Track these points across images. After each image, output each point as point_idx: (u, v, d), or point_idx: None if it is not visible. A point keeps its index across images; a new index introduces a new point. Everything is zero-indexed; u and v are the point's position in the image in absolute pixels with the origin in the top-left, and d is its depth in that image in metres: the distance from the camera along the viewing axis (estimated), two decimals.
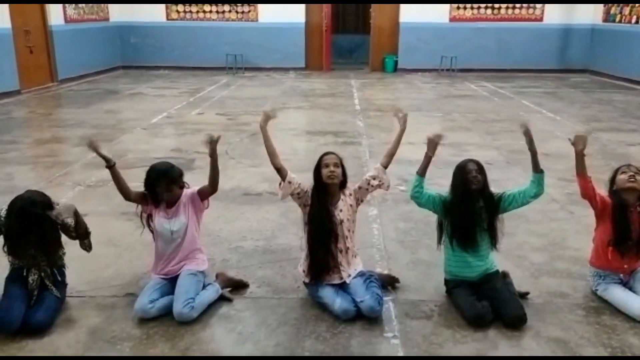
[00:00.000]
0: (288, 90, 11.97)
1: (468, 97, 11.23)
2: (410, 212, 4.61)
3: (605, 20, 14.32)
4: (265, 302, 3.27)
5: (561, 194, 5.07)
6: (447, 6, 14.98)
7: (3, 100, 10.20)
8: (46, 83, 12.11)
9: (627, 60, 13.15)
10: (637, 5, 12.94)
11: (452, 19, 15.10)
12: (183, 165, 3.36)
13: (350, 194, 3.27)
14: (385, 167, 3.29)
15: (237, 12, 15.25)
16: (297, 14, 15.00)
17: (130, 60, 15.32)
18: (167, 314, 3.04)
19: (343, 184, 3.26)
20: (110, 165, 3.18)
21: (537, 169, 3.15)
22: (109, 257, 3.84)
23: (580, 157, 3.17)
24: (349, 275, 3.20)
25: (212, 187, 3.26)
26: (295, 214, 4.01)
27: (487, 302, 3.06)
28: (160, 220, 3.23)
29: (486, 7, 15.06)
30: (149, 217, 3.29)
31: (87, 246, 3.27)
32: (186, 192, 3.28)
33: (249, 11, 15.22)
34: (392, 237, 4.25)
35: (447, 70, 14.62)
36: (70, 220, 3.10)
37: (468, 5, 15.03)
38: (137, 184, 3.37)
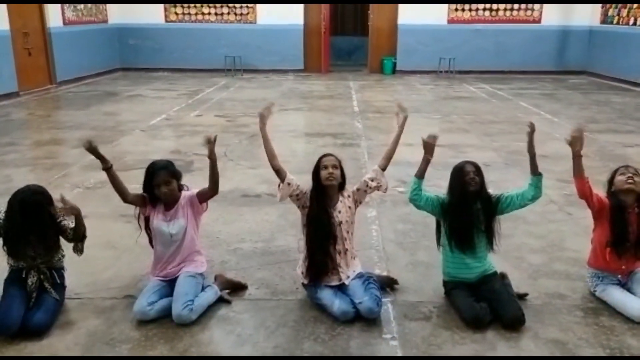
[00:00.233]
0: (287, 92, 11.98)
1: (466, 98, 11.25)
2: (408, 214, 4.61)
3: (602, 21, 14.35)
4: (264, 304, 3.28)
5: (559, 196, 5.08)
6: (445, 8, 15.00)
7: (2, 102, 10.20)
8: (45, 85, 12.11)
9: (624, 61, 13.18)
10: (634, 6, 12.97)
11: (451, 21, 15.13)
12: (182, 167, 3.36)
13: (349, 196, 3.28)
14: (384, 169, 3.30)
15: (235, 14, 15.26)
16: (295, 15, 15.01)
17: (129, 62, 15.32)
18: (166, 316, 3.04)
19: (342, 186, 3.26)
20: (107, 167, 3.17)
21: (535, 172, 3.16)
22: (108, 259, 3.84)
23: (577, 158, 3.18)
24: (348, 277, 3.21)
25: (212, 189, 3.25)
26: (294, 216, 4.01)
27: (485, 304, 3.06)
28: (158, 222, 3.22)
29: (484, 9, 15.09)
30: (147, 219, 3.28)
31: (79, 250, 3.25)
32: (185, 194, 3.28)
33: (248, 13, 15.23)
34: (390, 238, 4.25)
35: (446, 72, 14.64)
36: (68, 222, 3.11)
37: (466, 7, 15.05)
38: (135, 185, 3.37)
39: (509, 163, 6.29)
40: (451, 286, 3.24)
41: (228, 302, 3.26)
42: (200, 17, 15.33)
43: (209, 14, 15.31)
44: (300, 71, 15.30)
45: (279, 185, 3.21)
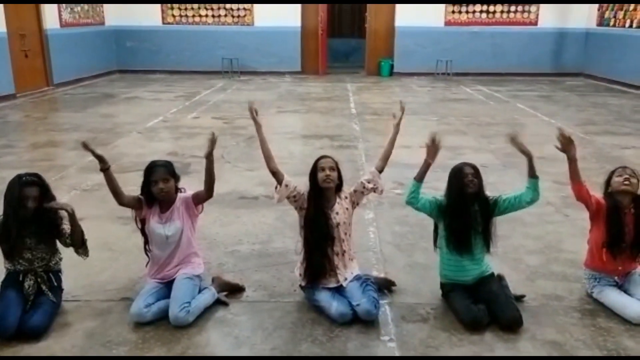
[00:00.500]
0: (284, 94, 11.98)
1: (463, 100, 11.27)
2: (406, 216, 4.61)
3: (599, 24, 14.40)
4: (261, 306, 3.27)
5: (556, 197, 5.09)
6: (442, 10, 15.04)
7: None
8: (42, 87, 12.09)
9: (621, 63, 13.22)
10: (631, 9, 13.02)
11: (448, 23, 15.16)
12: (179, 169, 3.36)
13: (346, 197, 3.28)
14: (380, 170, 3.30)
15: (232, 16, 15.28)
16: (292, 18, 15.03)
17: (126, 64, 15.31)
18: (163, 318, 3.03)
19: (339, 187, 3.26)
20: (105, 168, 3.15)
21: (532, 174, 3.16)
22: (105, 261, 3.83)
23: (573, 162, 3.18)
24: (346, 279, 3.20)
25: (208, 192, 3.24)
26: (291, 218, 4.01)
27: (483, 305, 3.06)
28: (154, 225, 3.21)
29: (481, 12, 15.13)
30: (143, 223, 3.27)
31: (82, 253, 3.24)
32: (180, 196, 3.27)
33: (245, 15, 15.24)
34: (388, 240, 4.25)
35: (443, 74, 14.67)
36: (66, 227, 3.10)
37: (463, 10, 15.10)
38: (131, 187, 3.37)
39: (507, 165, 6.30)
40: (449, 288, 3.24)
41: (225, 304, 3.26)
42: (197, 19, 15.33)
43: (206, 16, 15.31)
44: (297, 73, 15.31)
45: (276, 187, 3.21)
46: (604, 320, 3.12)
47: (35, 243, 3.08)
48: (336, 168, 3.19)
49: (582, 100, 11.45)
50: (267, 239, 4.27)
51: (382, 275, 3.60)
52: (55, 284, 3.15)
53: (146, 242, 3.30)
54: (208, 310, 3.16)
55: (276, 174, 3.18)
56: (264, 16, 15.04)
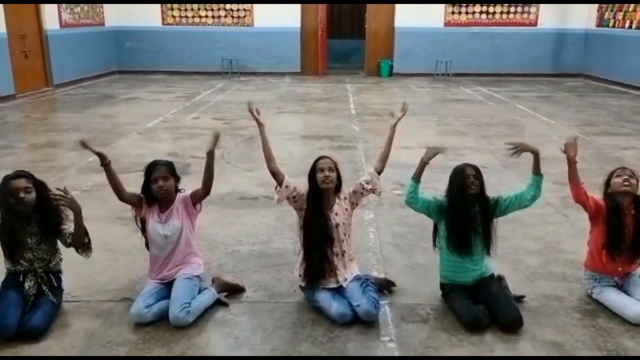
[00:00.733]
0: (284, 95, 11.98)
1: (463, 101, 11.27)
2: (406, 216, 4.62)
3: (599, 25, 14.41)
4: (261, 307, 3.27)
5: (556, 198, 5.09)
6: (442, 11, 15.06)
7: None
8: (41, 87, 12.09)
9: (620, 64, 13.23)
10: (630, 10, 13.04)
11: (447, 24, 15.17)
12: (179, 169, 3.36)
13: (346, 198, 3.28)
14: (379, 171, 3.30)
15: (232, 17, 15.28)
16: (292, 18, 15.04)
17: (126, 65, 15.31)
18: (163, 318, 3.03)
19: (338, 188, 3.26)
20: (105, 163, 3.15)
21: (537, 172, 3.16)
22: (105, 261, 3.83)
23: (572, 164, 3.19)
24: (346, 279, 3.20)
25: (206, 189, 3.24)
26: (291, 218, 4.01)
27: (483, 306, 3.06)
28: (153, 225, 3.21)
29: (481, 12, 15.15)
30: (144, 222, 3.27)
31: (83, 253, 3.21)
32: (179, 196, 3.27)
33: (245, 16, 15.25)
34: (388, 241, 4.25)
35: (442, 74, 14.68)
36: (67, 227, 3.10)
37: (463, 10, 15.11)
38: (132, 188, 3.36)
39: (506, 166, 6.30)
40: (448, 289, 3.24)
41: (225, 304, 3.26)
42: (197, 19, 15.34)
43: (206, 16, 15.32)
44: (297, 74, 15.31)
45: (276, 188, 3.21)
46: (604, 320, 3.12)
47: (36, 243, 3.08)
48: (335, 169, 3.19)
49: (581, 101, 11.45)
50: (267, 239, 4.27)
51: (382, 275, 3.60)
52: (56, 284, 3.15)
53: (147, 242, 3.30)
54: (208, 311, 3.16)
55: (276, 175, 3.19)
56: (264, 17, 15.05)
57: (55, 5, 12.58)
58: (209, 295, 3.22)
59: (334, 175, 3.17)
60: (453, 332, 3.00)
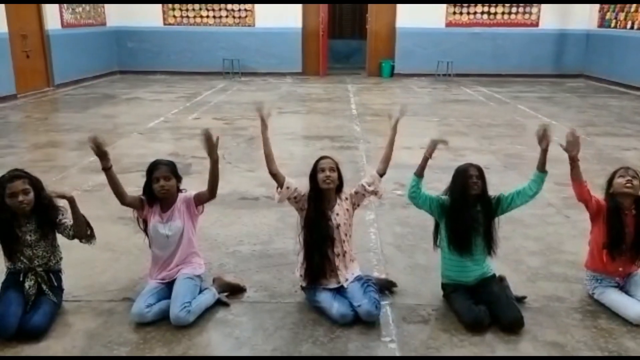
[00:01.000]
0: (285, 95, 11.99)
1: (464, 101, 11.27)
2: (407, 217, 4.61)
3: (600, 25, 14.41)
4: (262, 307, 3.27)
5: (557, 198, 5.09)
6: (443, 11, 15.06)
7: None
8: (43, 87, 12.10)
9: (622, 65, 13.22)
10: (632, 10, 13.03)
11: (449, 24, 15.17)
12: (180, 169, 3.36)
13: (347, 198, 3.27)
14: (382, 174, 3.29)
15: (234, 17, 15.29)
16: (293, 19, 15.04)
17: (127, 65, 15.33)
18: (164, 318, 3.03)
19: (339, 188, 3.26)
20: (107, 167, 3.15)
21: (542, 168, 3.16)
22: (106, 261, 3.83)
23: (575, 162, 3.19)
24: (347, 280, 3.20)
25: (211, 193, 3.24)
26: (292, 218, 4.01)
27: (484, 306, 3.06)
28: (155, 224, 3.21)
29: (482, 13, 15.14)
30: (145, 222, 3.27)
31: (88, 241, 3.18)
32: (181, 196, 3.27)
33: (246, 16, 15.26)
34: (389, 241, 4.25)
35: (444, 75, 14.67)
36: (67, 220, 3.10)
37: (464, 11, 15.11)
38: (133, 188, 3.37)
39: (508, 166, 6.30)
40: (450, 289, 3.24)
41: (226, 304, 3.26)
42: (198, 20, 15.35)
43: (207, 17, 15.33)
44: (298, 74, 15.31)
45: (277, 189, 3.21)
46: (605, 321, 3.12)
47: (35, 240, 3.08)
48: (336, 169, 3.19)
49: (582, 101, 11.44)
50: (268, 239, 4.27)
51: (382, 276, 3.59)
52: (56, 284, 3.15)
53: (150, 242, 3.29)
54: (209, 311, 3.16)
55: (276, 176, 3.18)
56: (265, 17, 15.05)
57: (56, 5, 12.60)
58: (210, 295, 3.22)
59: (335, 175, 3.16)
60: (454, 333, 3.00)
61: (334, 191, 3.23)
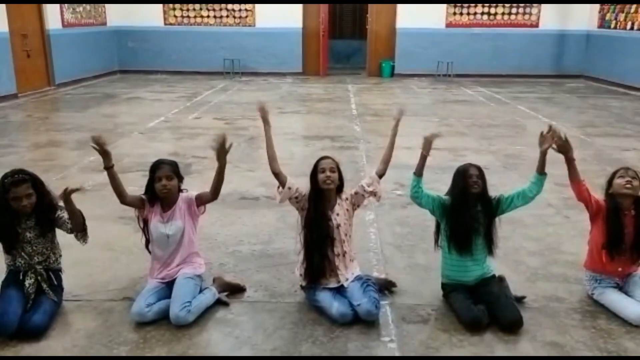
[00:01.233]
0: (285, 95, 11.99)
1: (464, 102, 11.27)
2: (407, 217, 4.62)
3: (600, 26, 14.41)
4: (262, 306, 3.28)
5: (557, 199, 5.09)
6: (443, 12, 15.06)
7: (0, 104, 10.19)
8: (43, 87, 12.11)
9: (622, 65, 13.22)
10: (632, 11, 13.03)
11: (449, 25, 15.18)
12: (180, 169, 3.36)
13: (347, 199, 3.28)
14: (381, 175, 3.29)
15: (234, 17, 15.30)
16: (294, 19, 15.05)
17: (128, 65, 15.33)
18: (164, 318, 3.03)
19: (340, 188, 3.27)
20: (108, 166, 3.16)
21: (542, 170, 3.17)
22: (106, 261, 3.84)
23: (571, 162, 3.19)
24: (347, 279, 3.21)
25: (214, 194, 3.25)
26: (292, 218, 4.01)
27: (483, 306, 3.07)
28: (156, 224, 3.22)
29: (482, 13, 15.15)
30: (145, 221, 3.28)
31: (81, 238, 3.18)
32: (182, 196, 3.28)
33: (247, 16, 15.26)
34: (389, 241, 4.26)
35: (444, 75, 14.68)
36: (65, 214, 3.10)
37: (464, 11, 15.12)
38: (133, 187, 3.37)
39: (507, 166, 6.31)
40: (449, 289, 3.25)
41: (226, 304, 3.26)
42: (199, 20, 15.36)
43: (208, 17, 15.34)
44: (298, 74, 15.32)
45: (278, 188, 3.21)
46: (605, 321, 3.12)
47: (35, 237, 3.09)
48: (337, 169, 3.19)
49: (582, 102, 11.45)
50: (268, 239, 4.28)
51: (382, 276, 3.60)
52: (56, 282, 3.16)
53: (147, 241, 3.30)
54: (209, 311, 3.17)
55: (279, 176, 3.19)
56: (266, 17, 15.06)
57: (57, 5, 12.61)
58: (210, 294, 3.23)
59: (335, 175, 3.17)
60: (453, 333, 3.00)
61: (334, 191, 3.23)
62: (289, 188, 3.17)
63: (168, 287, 3.18)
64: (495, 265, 3.37)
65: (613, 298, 3.20)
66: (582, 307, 3.29)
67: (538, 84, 14.13)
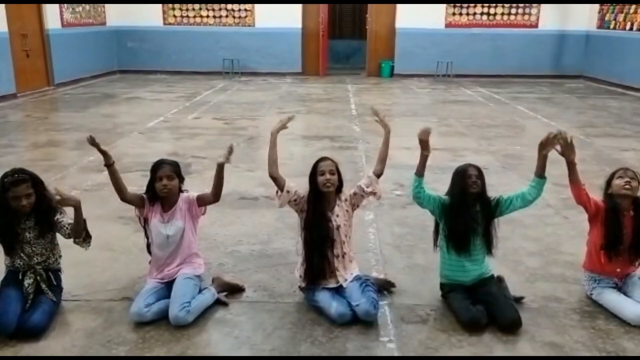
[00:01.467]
0: (285, 95, 11.99)
1: (464, 102, 11.28)
2: (406, 217, 4.62)
3: (599, 26, 14.42)
4: (261, 307, 3.28)
5: (556, 199, 5.10)
6: (443, 12, 15.07)
7: None
8: (42, 87, 12.10)
9: (621, 66, 13.23)
10: (631, 11, 13.04)
11: (448, 25, 15.18)
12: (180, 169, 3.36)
13: (346, 199, 3.28)
14: (379, 174, 3.28)
15: (234, 17, 15.30)
16: (293, 19, 15.05)
17: (127, 65, 15.33)
18: (163, 318, 3.03)
19: (339, 189, 3.26)
20: (109, 164, 3.17)
21: (541, 174, 3.17)
22: (105, 261, 3.84)
23: (572, 165, 3.19)
24: (346, 280, 3.21)
25: (215, 196, 3.25)
26: (291, 219, 4.02)
27: (481, 306, 3.07)
28: (156, 224, 3.22)
29: (482, 14, 15.16)
30: (145, 221, 3.28)
31: (82, 244, 3.18)
32: (183, 196, 3.28)
33: (246, 16, 15.26)
34: (388, 241, 4.26)
35: (443, 75, 14.68)
36: (66, 219, 3.10)
37: (464, 12, 15.12)
38: (133, 187, 3.37)
39: (507, 167, 6.31)
40: (448, 289, 3.25)
41: (225, 304, 3.26)
42: (198, 19, 15.35)
43: (207, 16, 15.34)
44: (298, 74, 15.32)
45: (277, 192, 3.20)
46: (603, 322, 3.12)
47: (34, 237, 3.08)
48: (336, 171, 3.18)
49: (582, 102, 11.46)
50: (267, 239, 4.28)
51: (381, 276, 3.60)
52: (55, 282, 3.16)
53: (149, 244, 3.30)
54: (208, 311, 3.17)
55: (277, 180, 3.17)
56: (265, 17, 15.06)
57: (56, 5, 12.61)
58: (209, 294, 3.23)
59: (335, 178, 3.16)
60: (452, 333, 3.00)
61: (334, 193, 3.23)
62: (288, 192, 3.16)
63: (167, 287, 3.18)
64: (494, 266, 3.37)
65: (612, 298, 3.21)
66: (581, 307, 3.29)
67: (537, 84, 14.14)
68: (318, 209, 3.17)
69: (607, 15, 14.05)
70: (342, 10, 19.35)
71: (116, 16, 15.05)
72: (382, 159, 3.31)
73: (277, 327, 3.05)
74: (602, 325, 3.09)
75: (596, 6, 14.49)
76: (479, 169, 3.18)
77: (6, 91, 10.60)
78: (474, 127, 8.68)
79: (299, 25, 15.16)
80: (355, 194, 3.28)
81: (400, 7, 15.04)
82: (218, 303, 3.25)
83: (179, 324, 2.99)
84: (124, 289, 3.44)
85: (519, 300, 3.27)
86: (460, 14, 15.14)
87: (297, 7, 15.03)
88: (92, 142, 3.17)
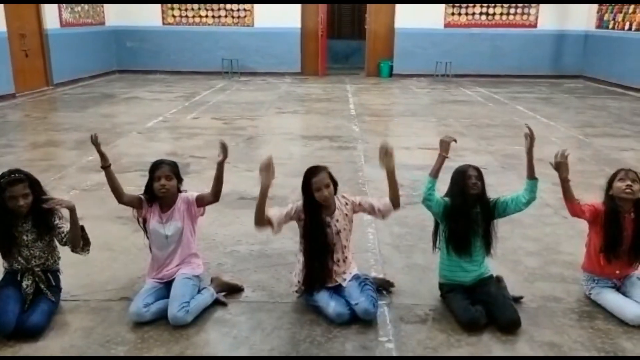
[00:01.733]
0: (284, 95, 11.99)
1: (463, 102, 11.28)
2: (405, 217, 4.62)
3: (598, 26, 14.43)
4: (260, 306, 3.28)
5: (555, 199, 5.09)
6: (442, 12, 15.07)
7: None
8: (41, 87, 12.09)
9: (620, 66, 13.24)
10: (630, 11, 13.05)
11: (447, 25, 15.19)
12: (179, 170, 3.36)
13: (347, 204, 3.25)
14: (396, 206, 3.21)
15: (233, 17, 15.29)
16: (292, 19, 15.05)
17: (126, 65, 15.32)
18: (162, 318, 3.03)
19: (335, 190, 3.22)
20: (105, 166, 3.17)
21: (531, 176, 3.17)
22: (104, 261, 3.83)
23: (565, 182, 3.20)
24: (345, 279, 3.21)
25: (215, 196, 3.24)
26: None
27: (480, 306, 3.07)
28: (154, 224, 3.22)
29: (481, 14, 15.16)
30: (144, 221, 3.28)
31: (81, 252, 3.20)
32: (181, 196, 3.27)
33: (245, 16, 15.26)
34: (387, 241, 4.26)
35: (442, 75, 14.69)
36: (64, 226, 3.10)
37: (463, 12, 15.13)
38: (131, 187, 3.37)
39: (506, 167, 6.31)
40: (447, 289, 3.25)
41: (224, 304, 3.26)
42: (197, 20, 15.35)
43: (207, 16, 15.33)
44: (297, 74, 15.32)
45: (271, 230, 3.16)
46: (602, 322, 3.12)
47: (32, 240, 3.08)
48: (330, 182, 3.12)
49: (581, 102, 11.46)
50: (266, 239, 4.27)
51: (380, 276, 3.60)
52: (54, 283, 3.15)
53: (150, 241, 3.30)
54: (207, 311, 3.17)
55: (264, 225, 3.12)
56: (264, 17, 15.06)
57: (55, 5, 12.59)
58: (208, 295, 3.22)
59: (331, 189, 3.11)
60: (451, 333, 3.00)
61: (332, 197, 3.20)
62: (279, 224, 3.13)
63: (166, 287, 3.17)
64: (493, 265, 3.37)
65: (610, 298, 3.21)
66: (580, 307, 3.29)
67: (536, 84, 14.15)
68: (316, 217, 3.15)
69: (606, 15, 14.06)
70: (341, 10, 19.35)
71: (115, 16, 15.04)
72: (397, 196, 3.19)
73: (276, 327, 3.05)
74: (600, 325, 3.10)
75: (595, 6, 14.50)
76: (478, 170, 3.18)
77: (5, 91, 10.59)
78: (473, 127, 8.68)
79: (298, 25, 15.16)
80: (360, 204, 3.24)
81: (400, 7, 15.04)
82: (217, 303, 3.25)
83: (178, 324, 2.99)
84: (123, 289, 3.44)
85: (517, 300, 3.27)
86: (459, 14, 15.15)
87: (296, 7, 15.03)
88: (95, 141, 3.19)
